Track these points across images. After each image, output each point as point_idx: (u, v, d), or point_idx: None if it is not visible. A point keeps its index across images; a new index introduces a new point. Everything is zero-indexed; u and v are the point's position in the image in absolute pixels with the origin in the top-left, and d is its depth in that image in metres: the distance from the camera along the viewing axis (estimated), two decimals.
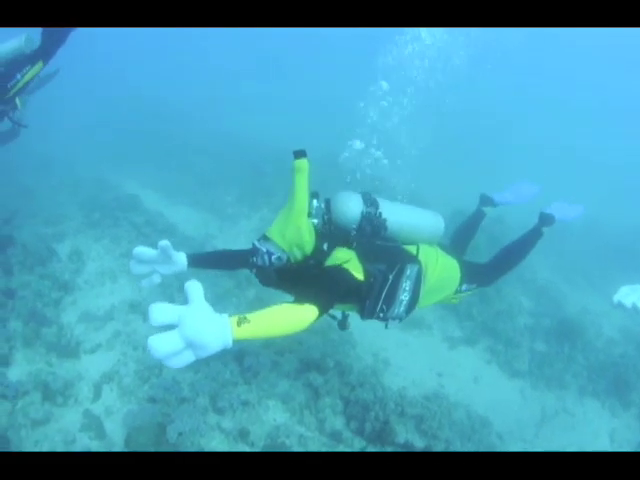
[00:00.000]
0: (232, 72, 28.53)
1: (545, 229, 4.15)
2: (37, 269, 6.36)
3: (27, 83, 5.24)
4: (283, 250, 2.66)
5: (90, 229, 7.94)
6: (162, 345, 1.66)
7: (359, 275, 2.69)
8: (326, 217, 2.91)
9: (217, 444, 4.40)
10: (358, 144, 4.43)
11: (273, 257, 2.64)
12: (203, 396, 4.77)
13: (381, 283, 2.82)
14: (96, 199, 9.05)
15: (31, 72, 5.13)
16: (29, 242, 6.80)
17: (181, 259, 2.96)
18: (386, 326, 3.08)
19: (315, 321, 2.15)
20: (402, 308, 2.98)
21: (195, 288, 1.83)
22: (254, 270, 2.76)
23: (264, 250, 2.65)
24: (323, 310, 2.20)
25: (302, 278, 2.61)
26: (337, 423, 4.96)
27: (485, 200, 4.65)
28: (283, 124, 17.06)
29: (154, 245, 2.81)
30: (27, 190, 9.20)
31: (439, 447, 4.72)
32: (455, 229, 4.42)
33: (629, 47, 30.26)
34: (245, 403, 4.77)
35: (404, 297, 2.95)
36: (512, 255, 4.12)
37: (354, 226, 2.93)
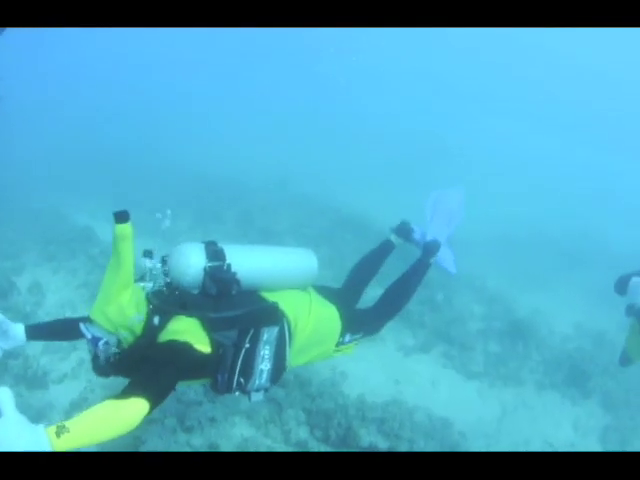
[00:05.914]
0: (194, 96, 28.39)
1: (433, 259, 3.61)
2: None
3: None
4: (110, 332, 2.21)
5: (47, 262, 8.00)
6: None
7: (204, 347, 2.26)
8: (166, 279, 2.46)
9: None
10: None
11: (100, 343, 2.17)
12: (170, 417, 4.89)
13: (233, 354, 2.39)
14: (51, 231, 9.06)
15: None
16: None
17: (18, 332, 2.53)
18: (249, 399, 2.64)
19: (149, 413, 1.82)
20: (264, 378, 2.57)
21: (5, 397, 1.59)
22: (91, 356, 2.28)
23: (89, 336, 2.19)
24: (155, 401, 1.86)
25: (135, 363, 2.13)
26: (302, 433, 5.13)
27: (402, 230, 3.91)
28: (248, 156, 17.23)
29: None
30: None
31: (403, 446, 4.92)
32: (354, 265, 3.81)
33: None
34: (212, 419, 4.92)
35: (264, 366, 2.53)
36: (398, 298, 3.53)
37: (198, 287, 2.47)
